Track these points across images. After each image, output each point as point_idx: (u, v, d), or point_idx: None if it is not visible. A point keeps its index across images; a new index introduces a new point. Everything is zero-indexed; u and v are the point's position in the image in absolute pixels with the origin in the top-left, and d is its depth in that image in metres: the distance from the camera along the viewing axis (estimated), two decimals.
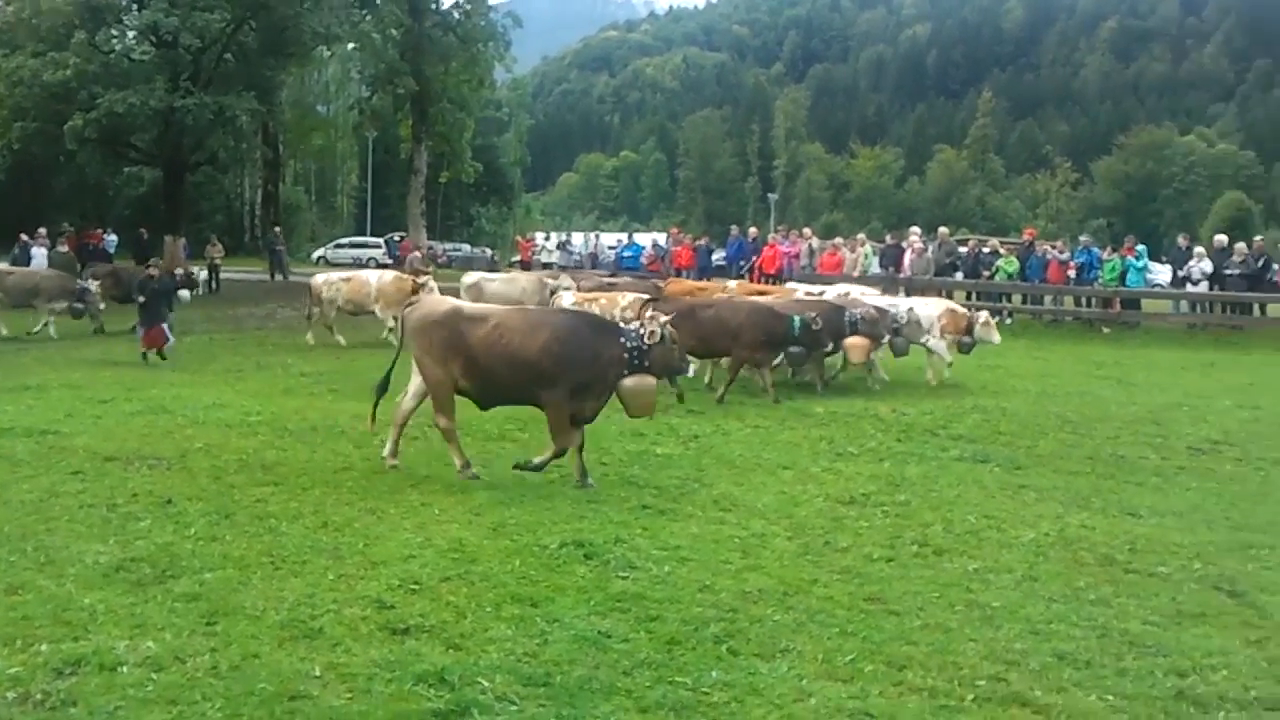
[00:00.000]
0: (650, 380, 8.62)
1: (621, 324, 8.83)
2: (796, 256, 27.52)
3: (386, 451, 9.19)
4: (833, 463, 9.82)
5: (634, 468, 9.44)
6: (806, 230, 31.34)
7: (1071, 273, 24.66)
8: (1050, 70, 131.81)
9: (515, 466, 8.77)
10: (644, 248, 34.04)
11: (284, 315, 25.24)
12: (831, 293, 16.75)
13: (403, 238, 50.95)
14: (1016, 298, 25.79)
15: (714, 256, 30.93)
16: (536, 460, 8.70)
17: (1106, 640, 5.71)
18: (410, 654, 5.22)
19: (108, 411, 11.74)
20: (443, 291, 17.06)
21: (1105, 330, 23.55)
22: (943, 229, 30.25)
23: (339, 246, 56.42)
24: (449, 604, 5.90)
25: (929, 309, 15.96)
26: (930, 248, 26.79)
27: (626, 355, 8.40)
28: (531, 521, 7.50)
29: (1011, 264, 25.29)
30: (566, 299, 16.05)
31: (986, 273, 25.28)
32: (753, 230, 33.38)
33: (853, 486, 8.88)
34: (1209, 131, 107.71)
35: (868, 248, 27.41)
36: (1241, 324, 23.35)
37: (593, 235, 39.45)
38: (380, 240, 55.43)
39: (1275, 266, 23.65)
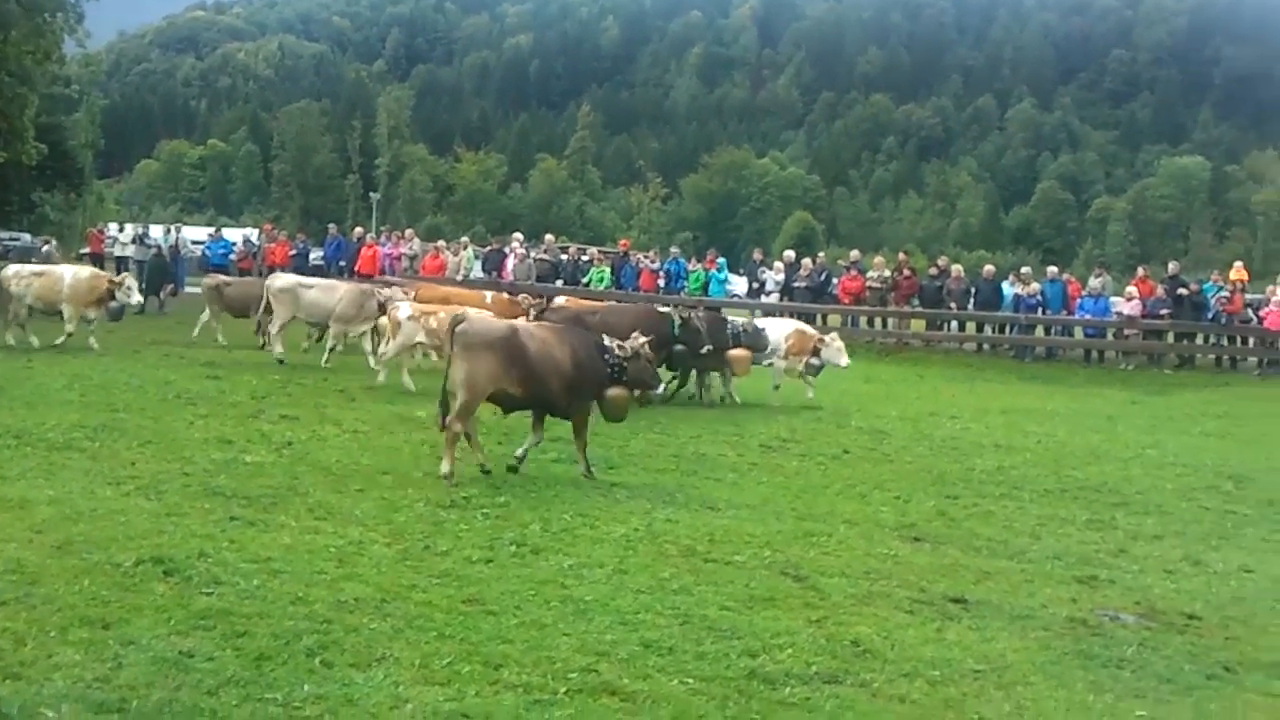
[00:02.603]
0: (624, 391, 9.97)
1: (607, 343, 10.02)
2: (398, 258, 27.26)
3: (446, 469, 9.22)
4: (434, 467, 9.79)
5: (220, 477, 8.90)
6: (409, 231, 31.16)
7: (661, 281, 26.21)
8: (644, 89, 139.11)
9: (586, 473, 9.77)
10: (234, 244, 32.18)
11: None
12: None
13: None
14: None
15: (311, 256, 29.91)
16: (582, 466, 9.83)
17: (688, 627, 6.09)
18: None
19: None
20: None
21: None
22: (549, 236, 31.15)
23: None
24: (6, 630, 5.31)
25: (777, 330, 15.95)
26: (533, 254, 27.48)
27: (610, 370, 9.77)
28: (103, 538, 6.89)
29: (603, 273, 26.43)
30: (404, 310, 15.01)
31: (585, 280, 26.26)
32: (358, 230, 32.62)
33: (453, 491, 8.89)
34: (781, 156, 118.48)
35: (470, 251, 27.67)
36: None
37: (174, 228, 36.60)
38: None
39: (835, 281, 26.35)
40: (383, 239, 29.29)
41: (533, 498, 8.91)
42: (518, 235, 30.04)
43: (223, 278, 21.69)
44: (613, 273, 26.74)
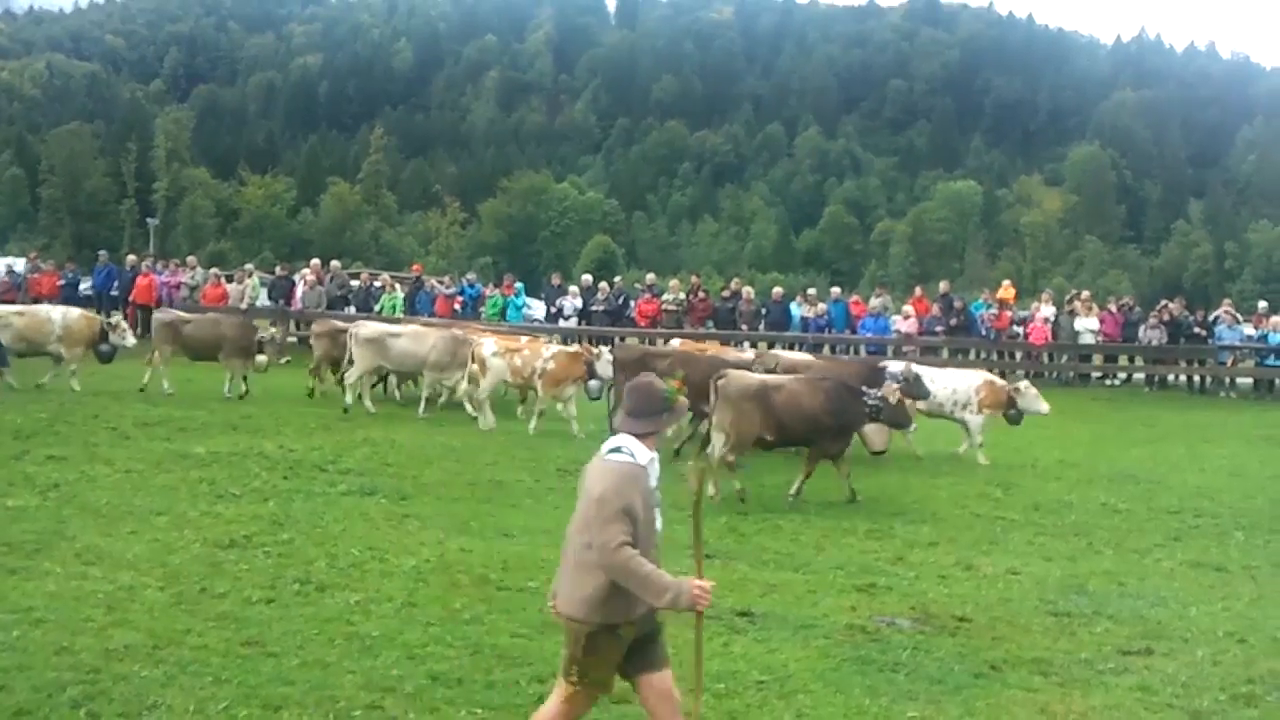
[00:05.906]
0: (884, 428, 12.15)
1: (864, 389, 11.56)
2: (177, 287, 26.12)
3: (711, 492, 10.67)
4: (213, 505, 9.41)
5: None
6: (191, 259, 29.88)
7: (457, 307, 25.97)
8: (440, 113, 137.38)
9: (794, 496, 11.26)
10: None
11: None
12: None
13: None
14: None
15: (81, 286, 28.21)
16: (846, 491, 11.40)
17: (478, 656, 6.05)
18: None
19: None
20: None
21: None
22: (335, 262, 30.37)
23: None
24: None
25: (966, 381, 15.24)
26: (324, 280, 26.78)
27: (867, 411, 11.40)
28: None
29: (395, 300, 25.97)
30: (489, 347, 15.32)
31: (378, 307, 25.75)
32: (131, 257, 30.94)
33: (234, 529, 8.56)
34: (580, 180, 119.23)
35: (255, 279, 26.78)
36: None
37: None
38: None
39: (633, 303, 26.72)
40: (159, 266, 27.94)
41: (319, 532, 8.68)
42: (315, 261, 29.19)
43: (179, 314, 18.90)
44: (406, 299, 26.33)
